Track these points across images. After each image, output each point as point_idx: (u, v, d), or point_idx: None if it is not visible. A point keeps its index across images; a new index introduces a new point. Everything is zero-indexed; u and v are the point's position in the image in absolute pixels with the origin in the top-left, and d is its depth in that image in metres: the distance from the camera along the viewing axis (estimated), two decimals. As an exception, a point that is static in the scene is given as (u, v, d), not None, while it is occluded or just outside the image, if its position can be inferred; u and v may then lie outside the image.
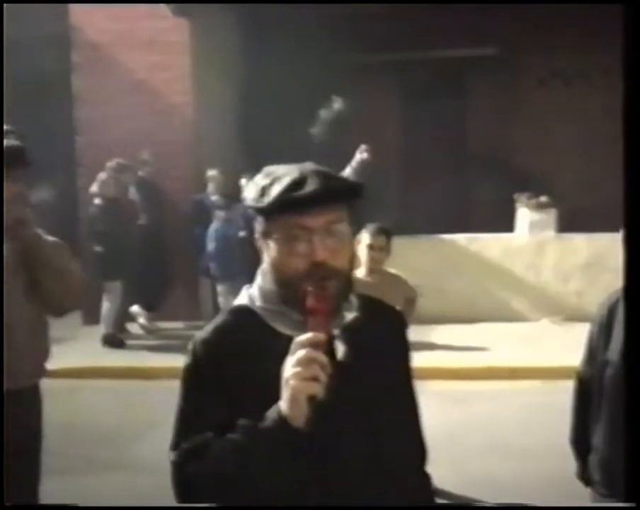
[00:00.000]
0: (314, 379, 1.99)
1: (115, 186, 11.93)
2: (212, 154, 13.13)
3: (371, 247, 6.33)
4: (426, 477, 2.55)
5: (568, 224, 12.67)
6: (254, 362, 2.19)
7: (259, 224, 2.29)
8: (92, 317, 12.55)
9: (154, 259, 12.60)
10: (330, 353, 2.14)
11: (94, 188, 11.89)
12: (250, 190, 2.29)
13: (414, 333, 10.32)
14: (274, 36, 14.28)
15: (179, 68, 13.28)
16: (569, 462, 3.56)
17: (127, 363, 11.02)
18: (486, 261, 12.77)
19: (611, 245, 11.38)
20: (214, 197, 12.29)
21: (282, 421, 2.03)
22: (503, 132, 15.57)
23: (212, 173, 12.41)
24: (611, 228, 10.88)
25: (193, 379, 2.27)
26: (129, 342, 12.09)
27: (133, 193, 12.57)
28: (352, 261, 2.31)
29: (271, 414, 2.06)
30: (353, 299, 2.36)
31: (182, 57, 13.32)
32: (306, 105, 14.37)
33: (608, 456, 2.86)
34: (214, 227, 11.74)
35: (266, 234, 2.26)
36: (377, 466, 2.26)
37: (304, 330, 2.09)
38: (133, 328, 12.68)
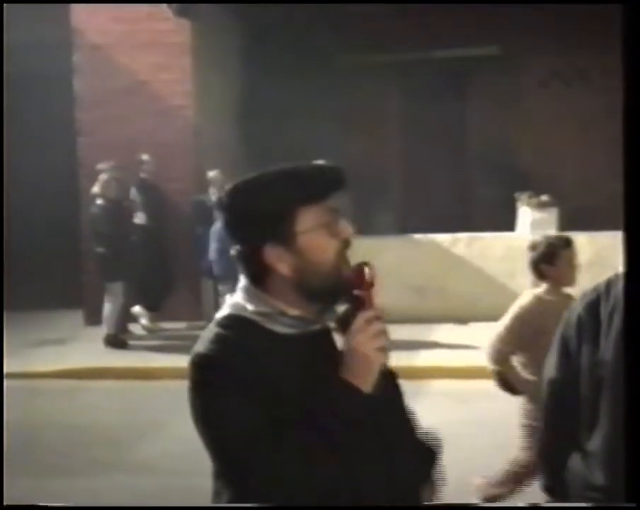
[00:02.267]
0: (383, 349, 2.20)
1: (116, 187, 11.94)
2: (213, 155, 13.14)
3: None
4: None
5: (569, 223, 12.65)
6: (263, 367, 2.18)
7: (277, 229, 2.23)
8: (94, 318, 12.57)
9: (156, 260, 12.60)
10: (331, 344, 2.29)
11: (96, 188, 11.90)
12: (262, 200, 2.25)
13: (417, 333, 10.36)
14: (275, 37, 14.30)
15: (180, 69, 13.28)
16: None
17: (129, 363, 11.02)
18: (488, 260, 12.77)
19: (612, 244, 11.36)
20: (215, 198, 12.29)
21: (357, 390, 2.17)
22: (504, 132, 15.57)
23: (212, 174, 12.41)
24: (612, 227, 10.90)
25: (213, 396, 2.21)
26: (132, 343, 12.09)
27: (134, 194, 12.58)
28: None
29: (339, 390, 2.17)
30: None
31: (183, 59, 13.33)
32: (306, 106, 14.38)
33: (613, 459, 2.81)
34: (216, 227, 11.73)
35: (290, 236, 2.23)
36: (389, 446, 2.36)
37: (304, 326, 2.25)
38: (135, 328, 12.68)
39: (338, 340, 2.30)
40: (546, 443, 3.15)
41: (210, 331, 2.29)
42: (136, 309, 12.66)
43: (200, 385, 2.23)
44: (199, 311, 12.51)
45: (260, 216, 2.22)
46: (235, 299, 2.33)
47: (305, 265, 2.23)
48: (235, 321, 2.28)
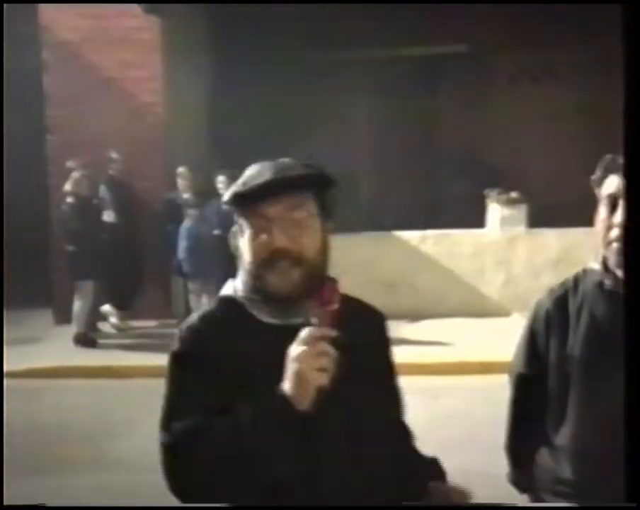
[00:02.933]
0: (322, 370, 2.12)
1: (87, 185, 11.88)
2: (182, 152, 13.09)
3: None
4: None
5: (538, 219, 12.72)
6: (238, 348, 2.25)
7: (236, 221, 2.37)
8: (64, 317, 12.49)
9: (126, 258, 12.54)
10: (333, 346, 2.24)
11: (67, 186, 11.82)
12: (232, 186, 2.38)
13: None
14: (244, 34, 14.28)
15: (150, 67, 13.22)
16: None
17: (99, 362, 10.96)
18: (458, 257, 12.81)
19: (581, 240, 11.44)
20: (185, 195, 12.25)
21: (288, 404, 2.13)
22: (473, 129, 15.62)
23: (181, 170, 12.36)
24: (581, 223, 10.97)
25: (181, 364, 2.30)
26: (101, 341, 12.03)
27: (103, 192, 12.52)
28: (322, 250, 2.37)
29: (274, 397, 2.14)
30: None
31: (153, 56, 13.26)
32: (275, 103, 14.39)
33: (581, 453, 2.83)
34: (185, 225, 11.69)
35: (240, 229, 2.35)
36: (357, 454, 2.33)
37: (286, 319, 2.27)
38: (105, 327, 12.62)
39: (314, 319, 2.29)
40: (513, 437, 3.15)
41: (205, 308, 2.43)
42: (106, 307, 12.60)
43: (175, 356, 2.31)
44: (169, 309, 12.48)
45: (235, 204, 2.34)
46: (235, 282, 2.42)
47: (242, 261, 2.37)
48: (227, 302, 2.38)
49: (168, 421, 2.25)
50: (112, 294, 12.60)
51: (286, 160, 2.38)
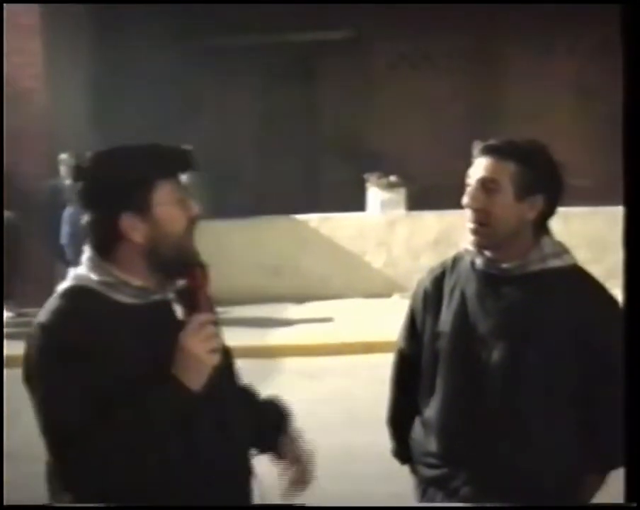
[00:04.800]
0: (215, 350, 2.27)
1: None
2: (65, 138, 12.83)
3: None
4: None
5: (418, 202, 12.89)
6: (104, 336, 2.23)
7: (134, 199, 2.29)
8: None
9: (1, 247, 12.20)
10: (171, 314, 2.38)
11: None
12: (122, 170, 2.32)
13: (272, 311, 10.35)
14: (126, 19, 14.07)
15: (30, 52, 12.91)
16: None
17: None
18: (340, 240, 12.90)
19: (459, 222, 11.62)
20: (68, 181, 12.01)
21: (186, 389, 2.23)
22: (354, 115, 15.73)
23: (63, 156, 12.12)
24: (458, 206, 11.16)
25: (48, 369, 2.23)
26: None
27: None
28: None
29: (170, 382, 2.22)
30: None
31: (33, 41, 12.96)
32: (158, 88, 14.25)
33: (445, 426, 2.90)
34: (68, 211, 11.48)
35: (146, 207, 2.30)
36: (225, 431, 2.44)
37: (146, 296, 2.33)
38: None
39: (178, 310, 2.37)
40: (393, 411, 3.24)
41: (51, 302, 2.33)
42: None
43: (37, 357, 2.25)
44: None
45: (119, 185, 2.28)
46: (79, 271, 2.38)
47: (157, 236, 2.31)
48: (77, 292, 2.33)
49: (52, 421, 2.22)
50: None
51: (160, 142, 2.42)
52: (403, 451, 3.18)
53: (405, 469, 3.23)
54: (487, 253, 2.83)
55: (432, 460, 2.94)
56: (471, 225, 2.80)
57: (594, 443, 2.80)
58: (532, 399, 2.75)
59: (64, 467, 2.22)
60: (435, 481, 2.94)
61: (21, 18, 12.80)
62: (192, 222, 2.37)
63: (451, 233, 11.71)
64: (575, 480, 2.85)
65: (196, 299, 2.31)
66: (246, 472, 2.56)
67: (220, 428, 2.39)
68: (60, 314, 2.26)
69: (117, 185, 2.27)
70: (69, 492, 2.24)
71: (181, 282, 2.36)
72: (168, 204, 2.31)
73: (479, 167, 2.79)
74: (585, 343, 2.73)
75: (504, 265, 2.81)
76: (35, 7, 12.85)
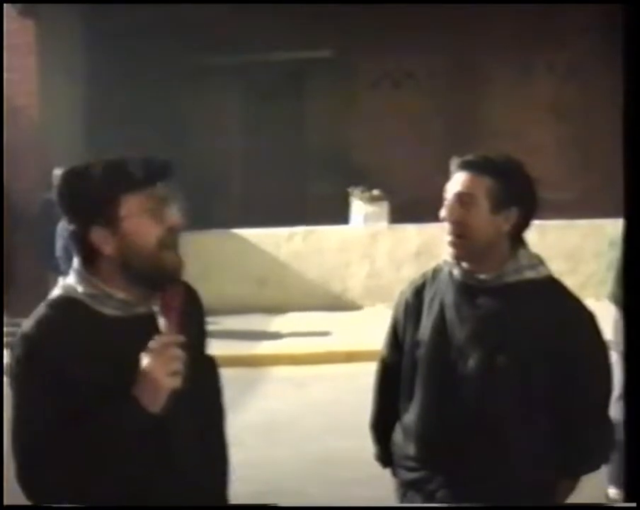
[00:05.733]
0: (175, 374, 2.16)
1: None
2: (58, 153, 12.80)
3: None
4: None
5: (399, 215, 12.92)
6: (86, 347, 2.21)
7: (102, 213, 2.26)
8: None
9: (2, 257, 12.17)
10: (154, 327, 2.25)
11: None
12: (88, 186, 2.29)
13: (258, 322, 10.32)
14: (118, 37, 14.10)
15: (24, 69, 12.90)
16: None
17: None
18: (324, 252, 12.91)
19: (439, 234, 11.65)
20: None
21: (141, 408, 2.14)
22: (339, 130, 15.76)
23: (57, 171, 12.10)
24: (438, 219, 11.18)
25: (24, 377, 2.23)
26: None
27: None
28: None
29: (128, 402, 2.14)
30: None
31: (27, 59, 12.95)
32: (149, 104, 14.27)
33: (423, 432, 2.91)
34: (62, 224, 11.46)
35: (114, 220, 2.26)
36: (206, 450, 2.41)
37: (129, 309, 2.25)
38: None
39: (161, 324, 2.27)
40: (375, 416, 3.27)
41: (38, 311, 2.30)
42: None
43: (14, 364, 2.23)
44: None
45: (87, 200, 2.25)
46: (67, 281, 2.35)
47: (127, 248, 2.26)
48: (63, 302, 2.30)
49: (21, 431, 2.20)
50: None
51: (131, 155, 2.35)
52: (384, 455, 3.21)
53: (387, 474, 3.24)
54: (464, 264, 2.86)
55: (410, 464, 2.97)
56: (449, 237, 2.83)
57: (568, 447, 2.82)
58: (507, 405, 2.77)
59: (23, 473, 2.21)
60: (413, 484, 2.97)
61: (16, 36, 12.78)
62: (170, 232, 2.29)
63: (431, 245, 11.74)
64: (550, 484, 2.88)
65: (167, 317, 2.23)
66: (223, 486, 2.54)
67: (197, 441, 2.36)
68: (41, 325, 2.24)
69: (84, 200, 2.26)
70: (29, 499, 2.22)
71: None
72: (136, 216, 2.25)
73: (456, 182, 2.82)
74: (558, 351, 2.76)
75: (481, 276, 2.83)
76: (30, 25, 12.84)
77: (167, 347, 2.16)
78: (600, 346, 2.85)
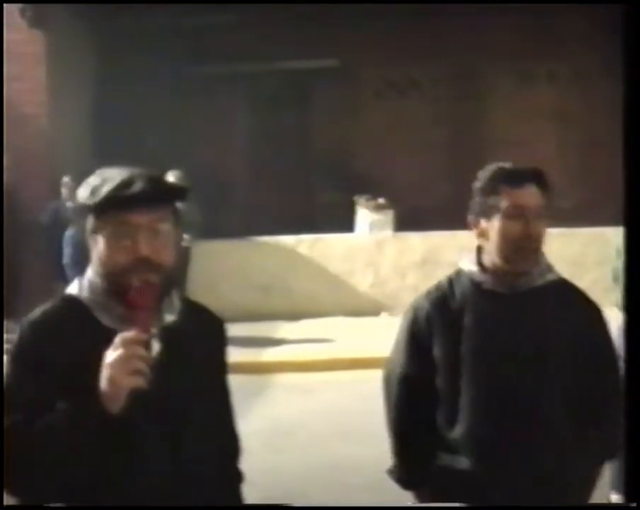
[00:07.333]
0: (136, 373, 2.05)
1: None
2: (67, 162, 12.84)
3: None
4: (236, 474, 2.60)
5: (404, 223, 12.92)
6: (74, 349, 2.19)
7: (89, 222, 2.28)
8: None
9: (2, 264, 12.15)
10: (147, 349, 2.15)
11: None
12: (82, 189, 2.32)
13: (263, 330, 10.33)
14: (126, 48, 14.13)
15: (34, 79, 12.94)
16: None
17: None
18: (330, 260, 12.90)
19: (443, 242, 11.67)
20: (69, 204, 12.02)
21: (100, 406, 2.07)
22: (344, 139, 15.75)
23: (65, 180, 12.14)
24: (442, 227, 11.18)
25: (18, 357, 2.24)
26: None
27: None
28: (175, 260, 2.33)
29: (89, 399, 2.08)
30: (176, 302, 2.38)
31: (37, 69, 12.99)
32: (157, 114, 14.31)
33: (478, 445, 2.85)
34: (69, 233, 11.46)
35: (95, 231, 2.26)
36: (178, 458, 2.28)
37: (127, 325, 2.13)
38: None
39: (155, 347, 2.19)
40: (403, 436, 3.10)
41: (46, 303, 2.34)
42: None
43: (13, 350, 2.26)
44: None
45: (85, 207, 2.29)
46: (82, 281, 2.34)
47: (98, 262, 2.26)
48: (69, 301, 2.32)
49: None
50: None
51: (141, 169, 2.29)
52: (411, 476, 3.10)
53: (390, 480, 3.18)
54: (495, 272, 2.90)
55: (465, 478, 2.88)
56: (523, 251, 2.86)
57: (596, 434, 2.91)
58: (558, 404, 2.85)
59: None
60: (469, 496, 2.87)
61: (26, 46, 12.83)
62: (140, 263, 2.19)
63: (436, 253, 11.73)
64: (597, 475, 3.01)
65: (134, 315, 2.14)
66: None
67: (173, 462, 2.26)
68: (43, 315, 2.29)
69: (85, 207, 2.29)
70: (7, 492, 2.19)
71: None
72: (105, 236, 2.23)
73: (526, 196, 2.86)
74: (586, 344, 2.89)
75: (514, 283, 2.89)
76: (39, 35, 12.88)
77: (130, 345, 2.06)
78: (610, 339, 3.01)
